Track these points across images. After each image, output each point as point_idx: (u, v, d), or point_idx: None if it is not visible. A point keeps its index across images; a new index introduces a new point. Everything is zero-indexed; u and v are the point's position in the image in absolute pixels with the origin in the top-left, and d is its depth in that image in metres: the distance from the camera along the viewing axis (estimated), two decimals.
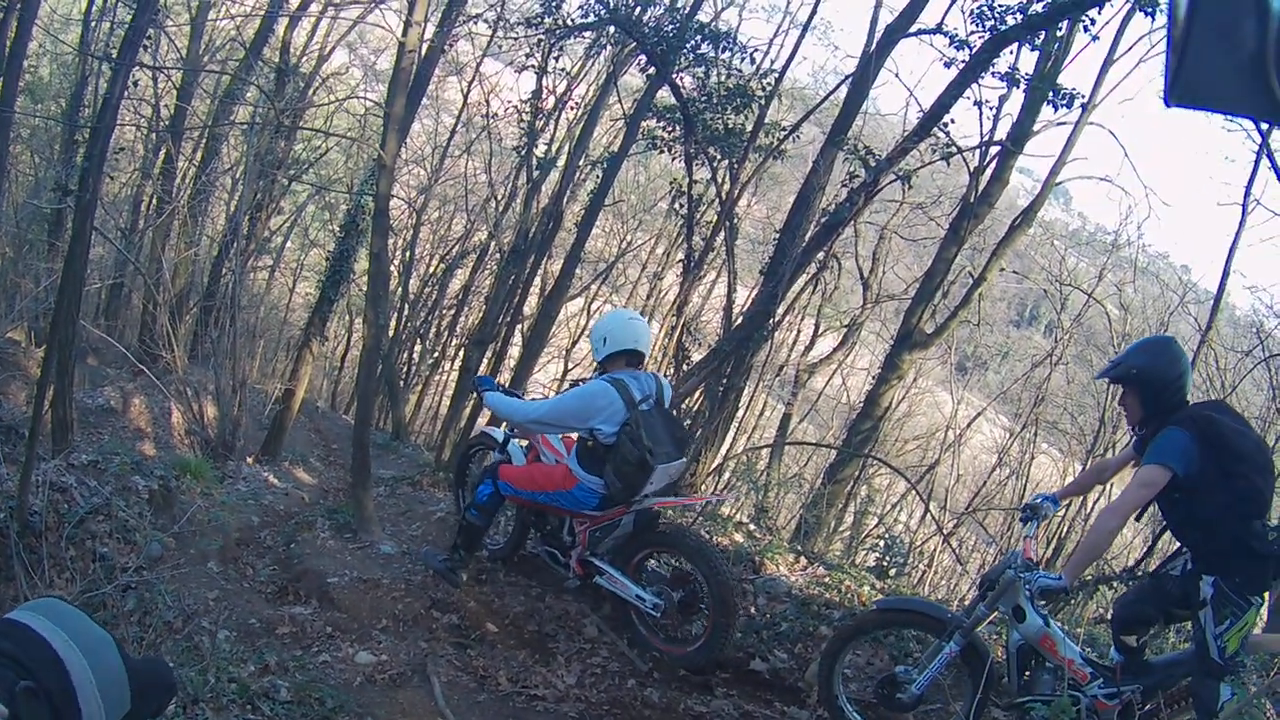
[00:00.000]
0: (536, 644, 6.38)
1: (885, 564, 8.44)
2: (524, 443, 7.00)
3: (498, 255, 20.84)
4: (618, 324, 6.21)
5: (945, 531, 13.04)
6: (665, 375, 10.66)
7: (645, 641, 6.17)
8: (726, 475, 11.85)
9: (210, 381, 12.09)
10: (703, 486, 9.28)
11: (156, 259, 15.11)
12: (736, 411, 9.57)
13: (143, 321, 17.16)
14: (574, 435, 6.33)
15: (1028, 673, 4.88)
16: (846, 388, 24.35)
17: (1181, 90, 0.95)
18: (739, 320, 10.06)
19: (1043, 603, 4.86)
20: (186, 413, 11.82)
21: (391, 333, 20.71)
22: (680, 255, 19.40)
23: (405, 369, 24.42)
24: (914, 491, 14.16)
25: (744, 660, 6.25)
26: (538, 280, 18.53)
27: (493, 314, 16.40)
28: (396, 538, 7.96)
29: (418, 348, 25.32)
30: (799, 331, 21.81)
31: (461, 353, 21.93)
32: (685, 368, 10.24)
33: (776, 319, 9.33)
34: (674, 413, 6.32)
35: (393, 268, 23.97)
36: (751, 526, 8.52)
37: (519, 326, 19.16)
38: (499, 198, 21.52)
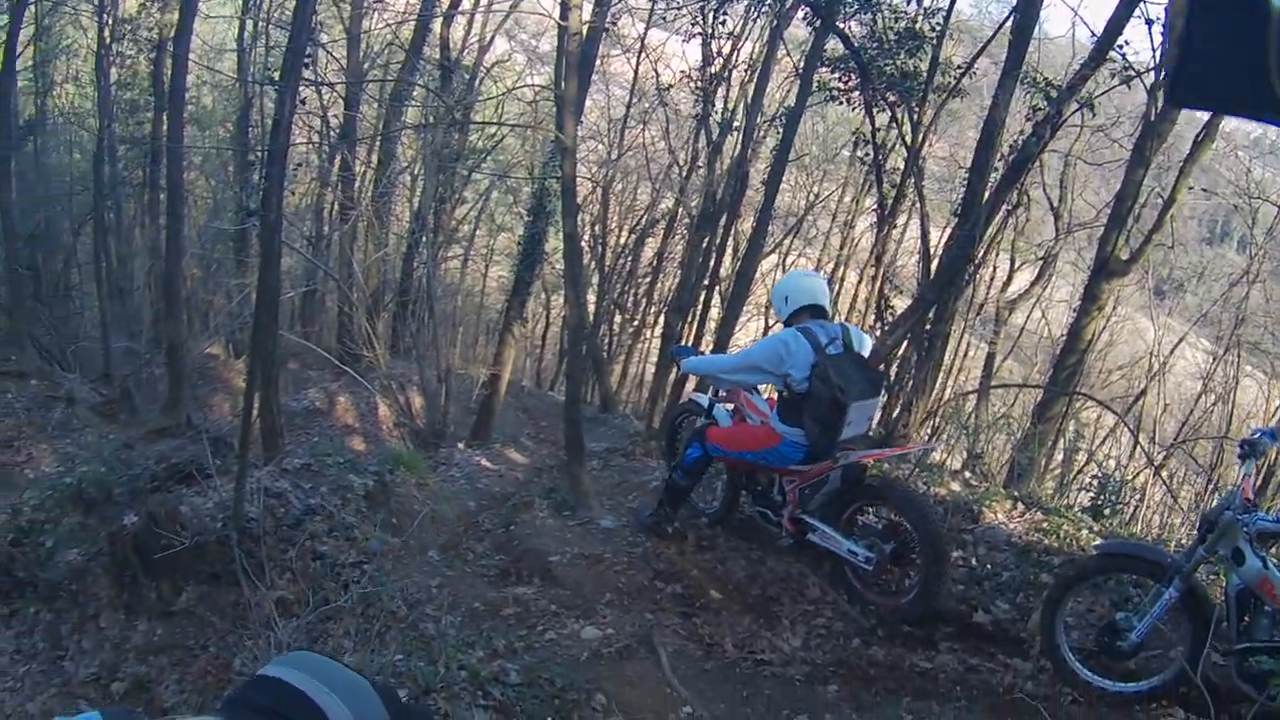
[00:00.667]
0: (760, 608, 6.22)
1: (1100, 504, 8.05)
2: (729, 406, 6.92)
3: (687, 220, 20.71)
4: (794, 283, 6.35)
5: (1155, 464, 12.28)
6: (869, 328, 10.39)
7: (860, 596, 6.07)
8: (937, 422, 11.43)
9: (414, 374, 12.32)
10: (915, 437, 8.90)
11: (346, 262, 15.50)
12: (944, 358, 9.08)
13: (339, 323, 17.81)
14: (774, 396, 6.37)
15: (1247, 618, 4.55)
16: (1047, 321, 23.32)
17: (1183, 90, 0.96)
18: (938, 265, 9.48)
19: (1263, 546, 4.50)
20: (393, 406, 12.08)
21: (591, 307, 20.90)
22: (869, 202, 18.85)
23: (606, 341, 24.53)
24: (1122, 425, 13.39)
25: (966, 613, 6.00)
26: (730, 242, 18.29)
27: (689, 279, 16.21)
28: (615, 511, 7.87)
29: (617, 319, 25.36)
30: (994, 268, 20.91)
31: (662, 320, 22.12)
32: (889, 318, 9.87)
33: (976, 260, 8.83)
34: (864, 356, 6.15)
35: (584, 244, 24.28)
36: (967, 474, 8.09)
37: (716, 289, 18.98)
38: (681, 164, 21.20)
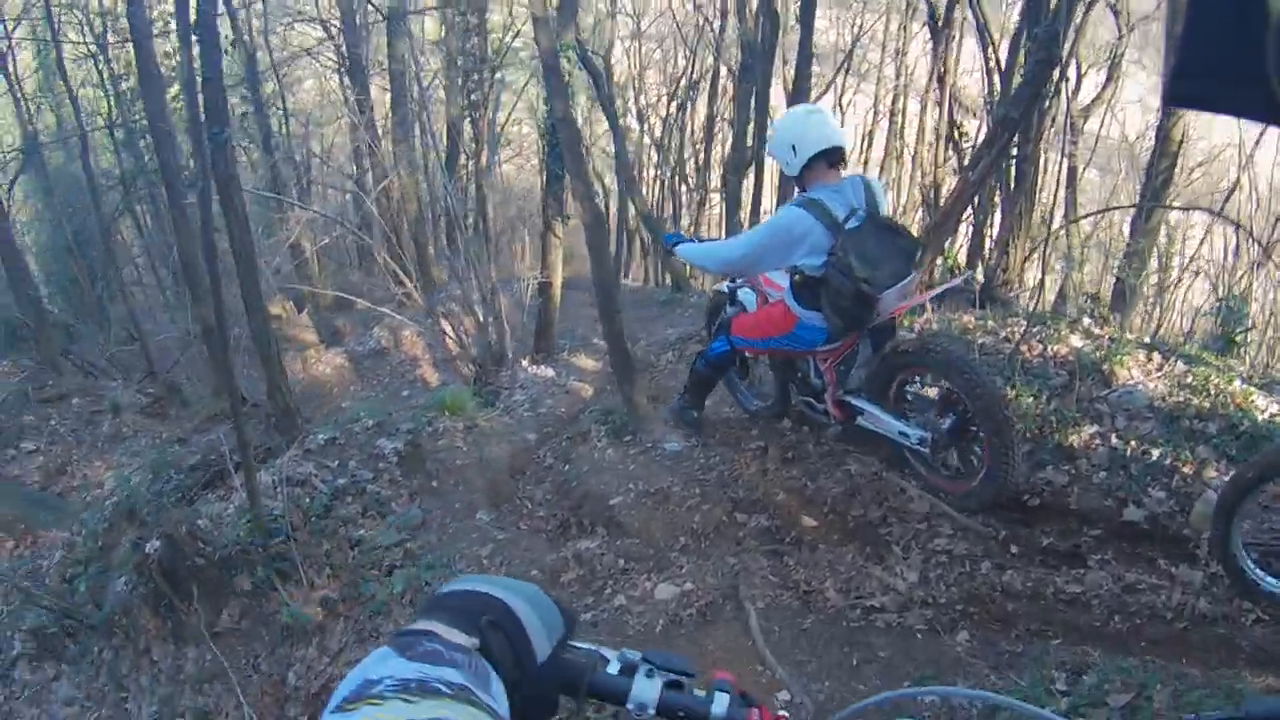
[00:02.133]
0: (865, 535, 5.09)
1: (1229, 332, 6.84)
2: (752, 288, 5.96)
3: (730, 76, 19.14)
4: (798, 124, 4.98)
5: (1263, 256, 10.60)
6: (944, 161, 8.84)
7: (929, 484, 5.14)
8: (1047, 255, 9.74)
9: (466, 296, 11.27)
10: (1016, 281, 7.44)
11: (385, 197, 14.44)
12: (1037, 185, 7.55)
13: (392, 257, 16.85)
14: None
15: None
16: (1122, 125, 21.09)
17: (1181, 91, 0.94)
18: (1020, 77, 7.71)
19: None
20: (447, 336, 11.05)
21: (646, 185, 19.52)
22: (917, 27, 16.99)
23: (672, 212, 23.26)
24: (1216, 226, 11.67)
25: (1114, 510, 4.85)
26: (779, 90, 16.61)
27: (740, 137, 14.46)
28: (689, 425, 6.71)
29: (682, 190, 23.82)
30: (1064, 77, 18.64)
31: (722, 183, 20.21)
32: (964, 146, 8.36)
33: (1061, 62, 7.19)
34: (892, 219, 4.97)
35: (623, 121, 22.73)
36: (1085, 322, 6.66)
37: None
38: (710, 19, 19.48)
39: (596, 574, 5.28)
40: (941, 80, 8.48)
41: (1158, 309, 11.88)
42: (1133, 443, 5.05)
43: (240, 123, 17.50)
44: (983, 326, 6.45)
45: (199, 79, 5.90)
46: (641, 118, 21.33)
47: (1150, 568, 4.42)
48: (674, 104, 22.31)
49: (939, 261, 7.17)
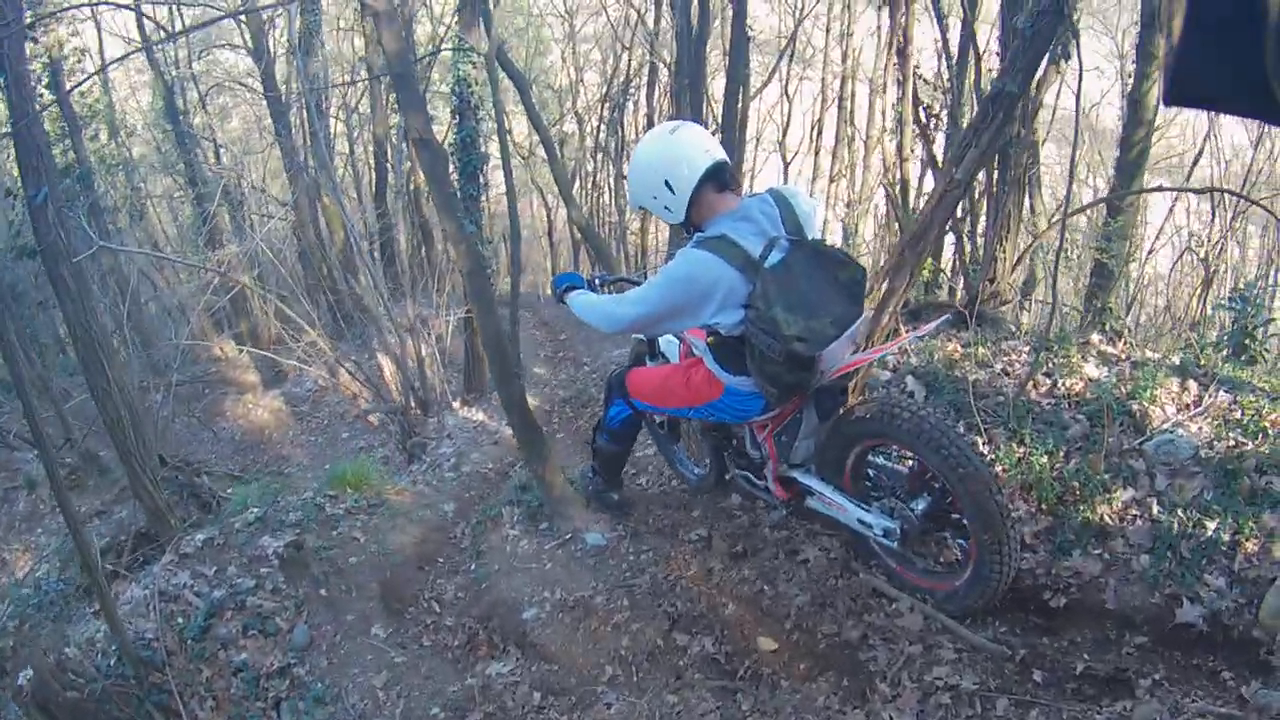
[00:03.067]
0: (841, 661, 3.79)
1: (1248, 327, 5.48)
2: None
3: (666, 70, 17.64)
4: (663, 152, 3.58)
5: None
6: (912, 153, 7.41)
7: (903, 581, 3.97)
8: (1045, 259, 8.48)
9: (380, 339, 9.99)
10: (1007, 288, 6.04)
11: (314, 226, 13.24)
12: (1038, 172, 6.09)
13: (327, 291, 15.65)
14: None
15: None
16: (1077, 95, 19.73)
17: (1180, 90, 0.90)
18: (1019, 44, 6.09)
19: None
20: (366, 384, 9.82)
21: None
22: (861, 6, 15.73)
23: (611, 224, 21.77)
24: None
25: (1163, 609, 3.58)
26: (718, 81, 15.19)
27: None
28: (610, 508, 5.43)
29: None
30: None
31: None
32: (936, 132, 6.99)
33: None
34: (823, 241, 3.65)
35: (563, 126, 21.39)
36: (1094, 338, 5.32)
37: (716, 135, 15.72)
38: (641, 11, 18.05)
39: (509, 712, 4.19)
40: (902, 54, 7.03)
41: (1138, 291, 10.56)
42: (1180, 513, 3.78)
43: (163, 158, 16.13)
44: (973, 355, 5.16)
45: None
46: (581, 121, 19.89)
47: (1214, 686, 3.24)
48: (608, 105, 20.69)
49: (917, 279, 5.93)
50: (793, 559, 4.40)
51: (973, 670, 3.47)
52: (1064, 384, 4.62)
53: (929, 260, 6.21)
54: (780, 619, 4.07)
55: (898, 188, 7.37)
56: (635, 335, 4.86)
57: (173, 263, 12.27)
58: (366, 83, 14.53)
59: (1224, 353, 5.39)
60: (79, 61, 15.86)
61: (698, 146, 3.52)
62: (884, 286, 4.54)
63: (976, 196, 6.17)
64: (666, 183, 3.54)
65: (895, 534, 3.71)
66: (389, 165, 13.51)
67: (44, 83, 14.93)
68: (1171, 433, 4.09)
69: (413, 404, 9.36)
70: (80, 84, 14.12)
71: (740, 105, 9.38)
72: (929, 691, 3.41)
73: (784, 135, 20.77)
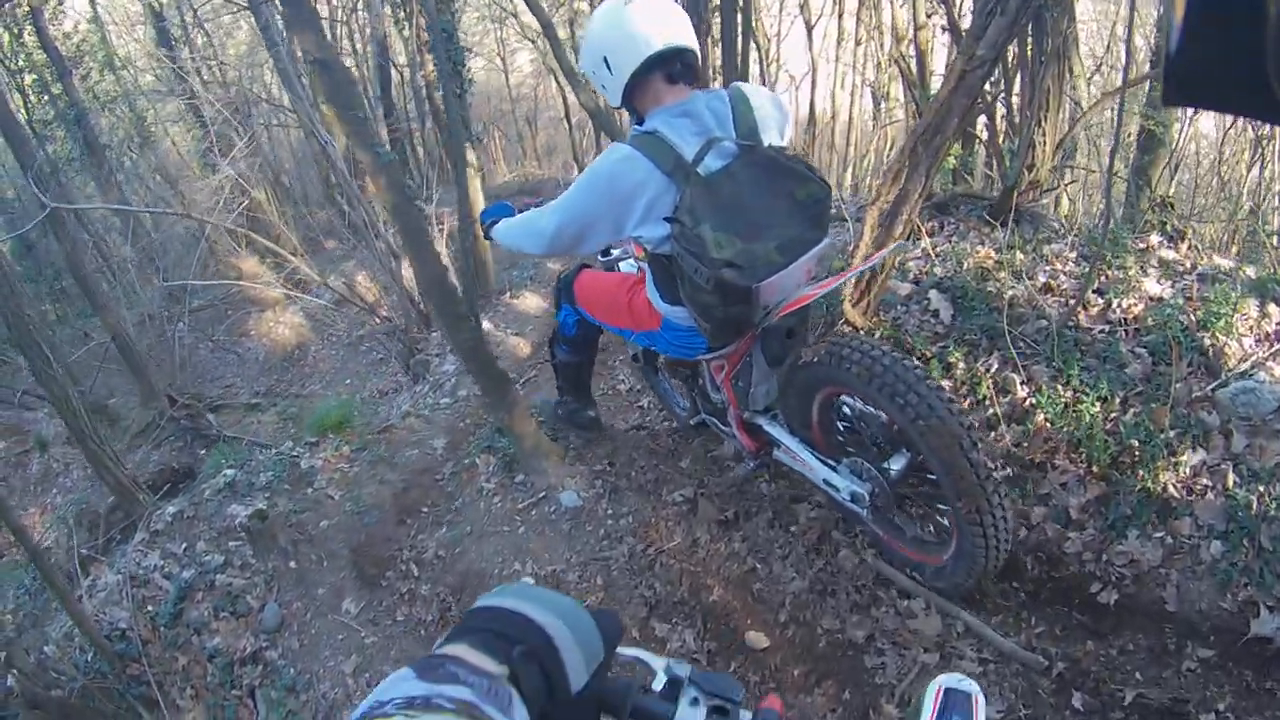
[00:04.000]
0: (843, 667, 3.08)
1: None
2: None
3: None
4: (610, 23, 2.80)
5: None
6: (929, 19, 6.23)
7: (886, 549, 3.34)
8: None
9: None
10: (1046, 176, 4.93)
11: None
12: (1070, 40, 4.85)
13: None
14: None
15: None
16: None
17: (1179, 90, 0.81)
18: None
19: None
20: (360, 308, 9.13)
21: None
22: None
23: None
24: None
25: (1235, 617, 2.82)
26: None
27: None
28: (584, 458, 4.71)
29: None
30: None
31: None
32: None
33: None
34: (785, 148, 2.88)
35: (566, 7, 19.92)
36: (1154, 241, 4.32)
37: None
38: None
39: None
40: None
41: (1181, 163, 9.33)
42: (1261, 487, 2.93)
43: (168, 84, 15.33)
44: (1008, 263, 4.23)
45: None
46: None
47: None
48: None
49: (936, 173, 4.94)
50: (789, 530, 3.63)
51: (1000, 689, 2.73)
52: (1120, 305, 3.70)
53: (954, 145, 5.19)
54: (774, 607, 3.37)
55: (913, 62, 6.24)
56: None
57: (133, 212, 11.42)
58: None
59: None
60: (60, 4, 15.15)
61: (650, 25, 2.75)
62: (893, 189, 3.64)
63: (1010, 66, 5.04)
64: (605, 60, 2.84)
65: (864, 499, 3.07)
66: (392, 63, 12.46)
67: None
68: (1252, 376, 3.18)
69: (414, 320, 8.65)
70: None
71: None
72: None
73: None
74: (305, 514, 5.25)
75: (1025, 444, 3.35)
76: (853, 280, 3.95)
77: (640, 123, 2.87)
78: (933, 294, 4.22)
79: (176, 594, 4.64)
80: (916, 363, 2.78)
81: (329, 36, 14.02)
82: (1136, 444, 3.14)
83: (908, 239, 4.02)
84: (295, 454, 5.92)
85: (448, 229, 8.94)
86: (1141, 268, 3.95)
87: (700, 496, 4.00)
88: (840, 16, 17.04)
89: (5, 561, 9.05)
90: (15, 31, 15.00)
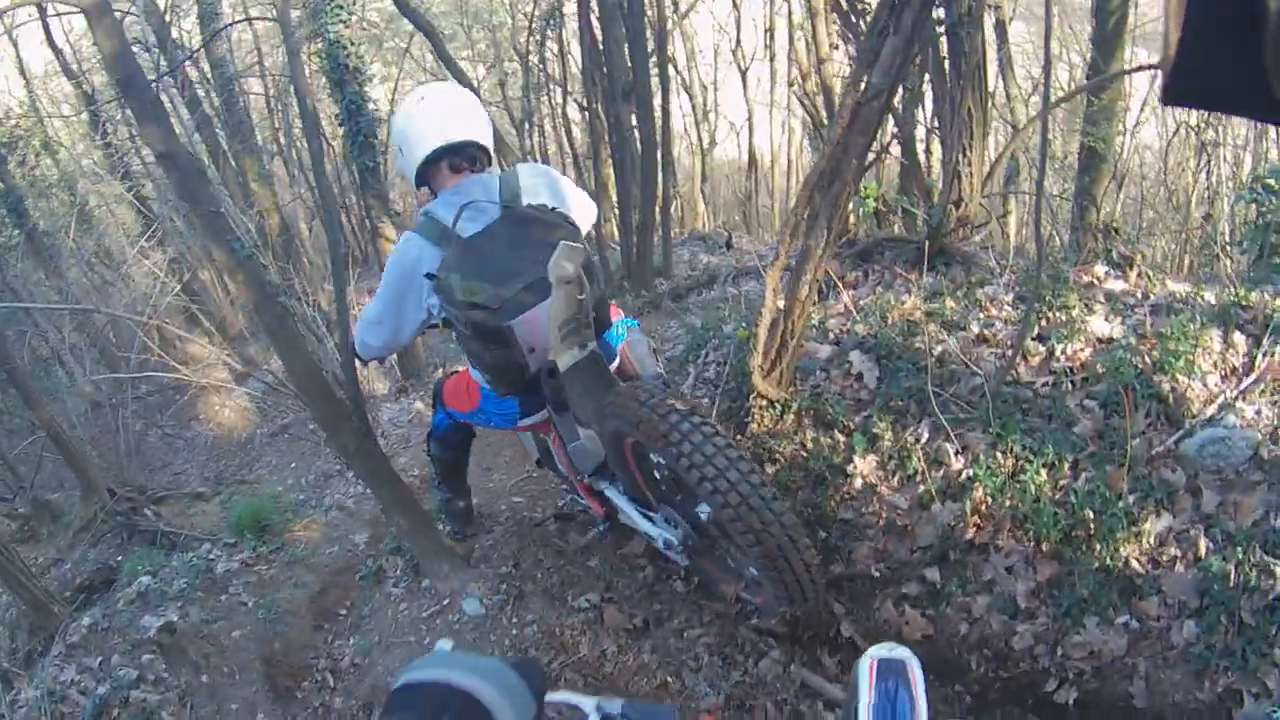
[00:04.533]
0: None
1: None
2: None
3: None
4: (405, 117, 3.17)
5: None
6: (832, 47, 5.80)
7: (719, 585, 3.32)
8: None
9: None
10: (977, 210, 4.51)
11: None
12: (1008, 53, 4.41)
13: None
14: None
15: None
16: None
17: (1179, 89, 0.86)
18: None
19: None
20: (292, 393, 8.70)
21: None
22: None
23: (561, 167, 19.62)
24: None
25: (1218, 709, 2.44)
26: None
27: (610, 49, 10.50)
28: (490, 559, 4.32)
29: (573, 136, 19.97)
30: None
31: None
32: (862, 16, 5.31)
33: None
34: (550, 206, 3.07)
35: (504, 67, 19.57)
36: (1101, 273, 3.90)
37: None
38: None
39: None
40: None
41: (1126, 178, 8.96)
42: (1239, 550, 2.48)
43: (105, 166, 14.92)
44: (938, 313, 3.80)
45: None
46: (524, 58, 17.79)
47: None
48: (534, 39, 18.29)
49: (851, 216, 4.49)
50: (700, 638, 3.17)
51: None
52: (1064, 352, 3.27)
53: (872, 185, 4.76)
54: None
55: (818, 98, 5.83)
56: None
57: (41, 309, 10.92)
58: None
59: (1249, 258, 4.14)
60: None
61: (437, 122, 3.09)
62: (793, 245, 3.22)
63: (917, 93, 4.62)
64: (400, 148, 3.19)
65: (675, 545, 3.14)
66: (322, 134, 12.12)
67: None
68: (1220, 422, 2.75)
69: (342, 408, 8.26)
70: None
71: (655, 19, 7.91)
72: None
73: (737, 44, 18.85)
74: (218, 623, 4.83)
75: (961, 524, 2.89)
76: (760, 347, 3.54)
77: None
78: (854, 355, 3.77)
79: (92, 710, 4.24)
80: (684, 408, 2.62)
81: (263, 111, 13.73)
82: (1091, 514, 2.71)
83: (821, 298, 3.64)
84: (211, 557, 5.51)
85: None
86: (1087, 305, 3.53)
87: (607, 602, 3.58)
88: (772, 59, 16.90)
89: None
90: None
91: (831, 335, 4.05)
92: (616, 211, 9.16)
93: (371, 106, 8.58)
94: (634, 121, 8.26)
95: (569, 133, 17.90)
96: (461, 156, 3.11)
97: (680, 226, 14.67)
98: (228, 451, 12.37)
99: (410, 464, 6.80)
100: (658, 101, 8.46)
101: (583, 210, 3.28)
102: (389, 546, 4.87)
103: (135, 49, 9.20)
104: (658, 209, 8.26)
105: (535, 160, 18.05)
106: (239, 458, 12.10)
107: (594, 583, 3.78)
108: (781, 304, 3.41)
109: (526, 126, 18.92)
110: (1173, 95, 0.86)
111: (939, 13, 4.32)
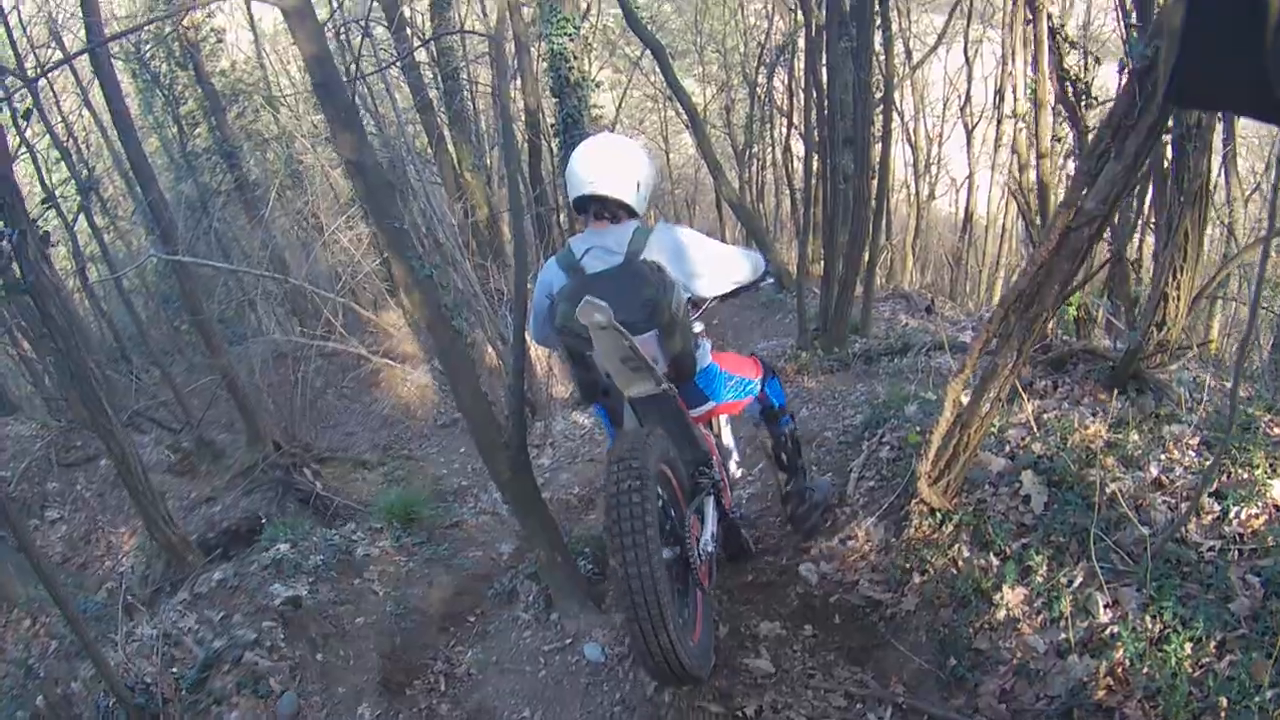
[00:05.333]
0: None
1: None
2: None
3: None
4: (573, 157, 3.67)
5: None
6: (1050, 146, 5.57)
7: None
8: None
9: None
10: (1178, 337, 4.27)
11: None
12: (1208, 181, 4.10)
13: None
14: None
15: None
16: None
17: (1180, 89, 0.89)
18: None
19: None
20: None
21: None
22: None
23: (756, 197, 19.36)
24: None
25: None
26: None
27: (834, 97, 10.80)
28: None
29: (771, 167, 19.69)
30: None
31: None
32: (1087, 112, 5.06)
33: None
34: (657, 264, 3.43)
35: (731, 91, 19.49)
36: None
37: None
38: None
39: None
40: (1031, 3, 5.15)
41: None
42: None
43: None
44: (1119, 445, 3.64)
45: None
46: (752, 86, 17.70)
47: None
48: (762, 70, 17.73)
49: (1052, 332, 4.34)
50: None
51: None
52: (1237, 516, 3.08)
53: (1075, 294, 4.58)
54: None
55: (1033, 195, 5.58)
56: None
57: (231, 270, 11.39)
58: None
59: None
60: (219, 42, 15.62)
61: (591, 173, 3.56)
62: (976, 363, 3.17)
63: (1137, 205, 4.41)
64: (566, 180, 3.68)
65: (711, 547, 3.53)
66: (541, 137, 12.37)
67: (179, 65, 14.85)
68: None
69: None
70: None
71: (886, 71, 7.66)
72: None
73: (966, 102, 18.28)
74: (344, 606, 5.08)
75: (1094, 683, 2.77)
76: (930, 455, 3.48)
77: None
78: (1026, 476, 3.62)
79: (204, 660, 4.49)
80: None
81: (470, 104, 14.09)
82: (1224, 701, 2.53)
83: (1006, 405, 3.56)
84: (355, 538, 5.79)
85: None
86: (1273, 465, 3.31)
87: (719, 679, 3.47)
88: (999, 123, 16.39)
89: (91, 575, 9.30)
90: (178, 61, 15.64)
91: (1008, 447, 3.92)
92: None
93: (597, 112, 8.78)
94: (849, 171, 8.21)
95: (789, 168, 17.99)
96: (603, 207, 3.57)
97: (886, 280, 14.29)
98: (401, 424, 12.89)
99: (572, 481, 6.96)
100: (878, 154, 8.40)
101: (715, 273, 3.69)
102: (528, 569, 4.99)
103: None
104: (863, 266, 8.07)
105: (751, 191, 18.32)
106: (410, 433, 12.64)
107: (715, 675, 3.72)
108: (959, 414, 3.36)
109: (747, 155, 19.03)
110: (1175, 95, 0.87)
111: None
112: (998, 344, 3.12)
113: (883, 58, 8.62)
